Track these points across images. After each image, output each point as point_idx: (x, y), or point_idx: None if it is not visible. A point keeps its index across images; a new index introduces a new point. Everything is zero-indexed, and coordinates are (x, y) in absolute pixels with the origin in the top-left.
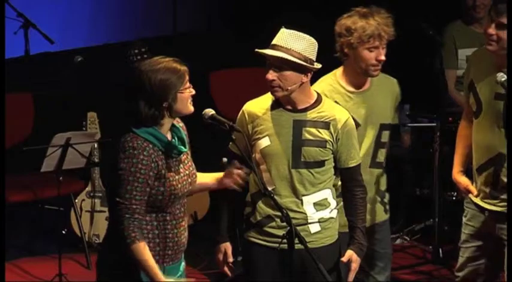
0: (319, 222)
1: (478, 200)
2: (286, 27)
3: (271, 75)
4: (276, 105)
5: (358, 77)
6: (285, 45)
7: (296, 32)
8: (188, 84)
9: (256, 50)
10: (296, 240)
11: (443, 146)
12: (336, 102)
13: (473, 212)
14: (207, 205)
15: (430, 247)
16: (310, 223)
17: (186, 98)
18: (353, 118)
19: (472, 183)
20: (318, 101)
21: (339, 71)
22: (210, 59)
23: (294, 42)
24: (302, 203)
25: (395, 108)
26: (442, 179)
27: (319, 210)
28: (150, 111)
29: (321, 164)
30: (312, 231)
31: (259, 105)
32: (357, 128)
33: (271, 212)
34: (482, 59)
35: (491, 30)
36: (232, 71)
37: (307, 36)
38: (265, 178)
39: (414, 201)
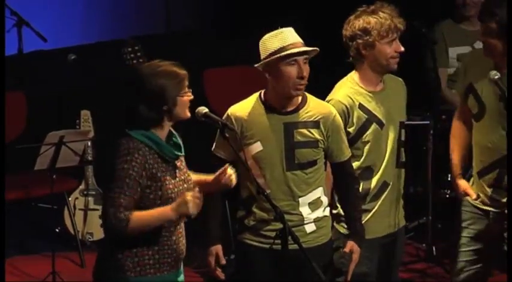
0: (314, 221)
1: (478, 204)
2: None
3: (307, 71)
4: (263, 108)
5: (375, 77)
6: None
7: (287, 28)
8: (187, 89)
9: (305, 49)
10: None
11: (436, 144)
12: (360, 104)
13: (472, 215)
14: (200, 205)
15: (424, 245)
16: (306, 223)
17: (185, 102)
18: (378, 118)
19: (471, 186)
20: (304, 100)
21: (354, 75)
22: (203, 57)
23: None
24: (298, 205)
25: (405, 107)
26: (436, 177)
27: (314, 210)
28: (150, 114)
29: (313, 163)
30: (308, 231)
31: (245, 109)
32: (381, 128)
33: (265, 216)
34: (480, 61)
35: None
36: (225, 69)
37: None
38: (260, 183)
39: (407, 199)
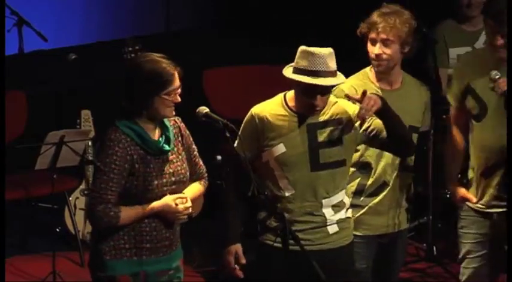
0: (337, 223)
1: (481, 207)
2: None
3: (323, 101)
4: (286, 110)
5: (383, 74)
6: (332, 68)
7: (326, 50)
8: (177, 90)
9: (323, 83)
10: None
11: (436, 144)
12: None
13: (474, 219)
14: (201, 204)
15: (424, 245)
16: (328, 225)
17: (165, 103)
18: None
19: (468, 190)
20: None
21: (369, 68)
22: (203, 57)
23: (333, 61)
24: (321, 206)
25: (423, 114)
26: (436, 177)
27: (336, 212)
28: (128, 105)
29: (342, 163)
30: (331, 232)
31: (268, 110)
32: None
33: (288, 217)
34: (478, 61)
35: (500, 41)
36: (225, 69)
37: (331, 49)
38: (283, 184)
39: (408, 199)
